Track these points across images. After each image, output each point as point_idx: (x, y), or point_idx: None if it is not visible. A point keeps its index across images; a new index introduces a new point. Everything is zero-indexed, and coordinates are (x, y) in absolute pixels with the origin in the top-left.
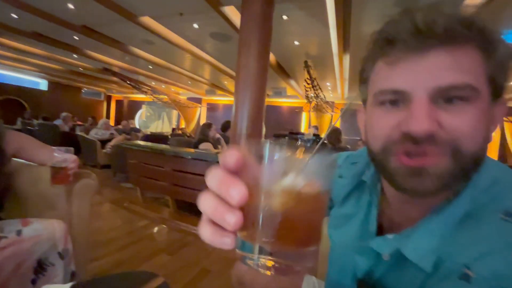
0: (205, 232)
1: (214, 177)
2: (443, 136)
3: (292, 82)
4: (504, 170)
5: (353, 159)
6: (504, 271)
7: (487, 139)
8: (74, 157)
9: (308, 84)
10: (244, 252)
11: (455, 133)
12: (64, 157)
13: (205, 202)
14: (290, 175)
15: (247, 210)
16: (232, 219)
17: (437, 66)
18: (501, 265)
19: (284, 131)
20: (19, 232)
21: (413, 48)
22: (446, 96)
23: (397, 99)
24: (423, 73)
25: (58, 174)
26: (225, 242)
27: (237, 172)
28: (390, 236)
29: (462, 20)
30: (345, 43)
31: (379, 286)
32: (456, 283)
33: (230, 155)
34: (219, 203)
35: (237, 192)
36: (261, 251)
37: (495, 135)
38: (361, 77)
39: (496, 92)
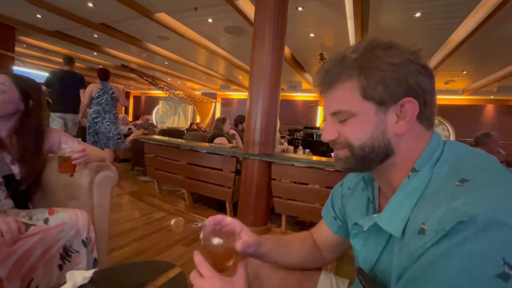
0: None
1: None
2: (341, 139)
3: (307, 75)
4: (469, 153)
5: None
6: (445, 215)
7: (376, 135)
8: (80, 147)
9: None
10: None
11: (346, 137)
12: (73, 147)
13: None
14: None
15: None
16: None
17: (328, 101)
18: (442, 213)
19: (299, 125)
20: (46, 221)
21: (323, 93)
22: (338, 118)
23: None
24: (326, 106)
25: (64, 163)
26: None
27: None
28: (374, 215)
29: (342, 64)
30: (363, 34)
31: (373, 269)
32: (416, 238)
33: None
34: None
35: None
36: None
37: None
38: None
39: (382, 102)
